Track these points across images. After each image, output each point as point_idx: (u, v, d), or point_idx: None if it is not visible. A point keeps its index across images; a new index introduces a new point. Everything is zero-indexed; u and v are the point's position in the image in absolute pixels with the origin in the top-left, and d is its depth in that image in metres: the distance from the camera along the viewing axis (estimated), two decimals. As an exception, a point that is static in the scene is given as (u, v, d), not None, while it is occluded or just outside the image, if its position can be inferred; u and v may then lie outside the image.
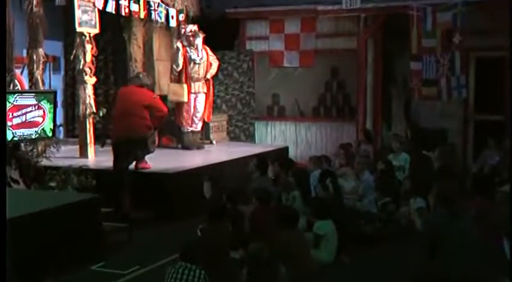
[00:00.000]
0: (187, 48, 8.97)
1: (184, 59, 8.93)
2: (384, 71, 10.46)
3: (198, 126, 9.27)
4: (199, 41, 9.03)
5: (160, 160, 7.91)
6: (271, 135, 11.20)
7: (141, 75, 7.60)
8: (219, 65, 9.59)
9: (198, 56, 9.04)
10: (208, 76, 9.26)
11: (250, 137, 10.98)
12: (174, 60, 9.04)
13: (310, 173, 7.06)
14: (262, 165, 6.93)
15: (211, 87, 9.43)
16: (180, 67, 8.92)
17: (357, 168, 7.28)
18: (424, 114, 10.05)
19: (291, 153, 10.04)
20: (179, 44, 9.00)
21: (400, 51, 9.98)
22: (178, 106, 9.08)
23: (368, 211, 6.47)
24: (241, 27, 11.14)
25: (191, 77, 9.02)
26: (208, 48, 9.25)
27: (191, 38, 8.99)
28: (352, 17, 10.29)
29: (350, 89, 10.70)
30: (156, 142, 7.66)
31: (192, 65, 8.99)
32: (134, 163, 7.24)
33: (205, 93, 9.23)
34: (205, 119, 9.41)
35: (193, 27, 9.13)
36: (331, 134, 10.64)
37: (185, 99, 8.93)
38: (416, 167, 7.46)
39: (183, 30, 9.30)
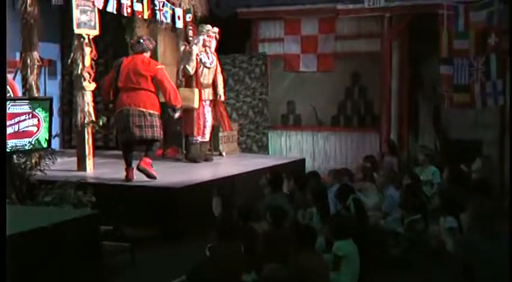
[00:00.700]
0: (197, 49, 8.97)
1: (196, 61, 8.91)
2: (410, 75, 10.44)
3: (207, 137, 9.26)
4: (213, 43, 9.07)
5: (165, 173, 7.90)
6: (286, 147, 11.20)
7: (141, 40, 7.54)
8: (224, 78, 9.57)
9: (208, 59, 9.04)
10: (220, 91, 9.17)
11: (263, 148, 10.99)
12: (186, 61, 8.92)
13: (328, 188, 7.02)
14: (276, 180, 6.89)
15: (222, 94, 9.38)
16: (193, 71, 8.87)
17: (380, 182, 7.23)
18: (455, 123, 9.99)
19: (308, 166, 10.01)
20: (194, 46, 8.95)
21: (429, 54, 9.96)
22: (187, 114, 8.82)
23: (393, 230, 6.41)
24: (254, 28, 11.18)
25: (201, 83, 9.01)
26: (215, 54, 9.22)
27: (209, 39, 8.98)
28: (375, 17, 10.29)
29: (373, 96, 10.67)
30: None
31: (202, 68, 8.97)
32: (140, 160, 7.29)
33: (211, 101, 9.20)
34: (226, 128, 9.47)
35: (214, 28, 9.10)
36: (351, 145, 10.63)
37: (196, 105, 8.88)
38: (447, 181, 7.39)
39: (190, 30, 9.29)
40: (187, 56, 9.01)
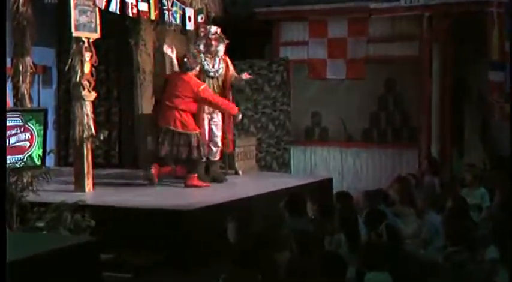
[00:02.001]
0: (202, 55, 8.93)
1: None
2: (453, 83, 10.37)
3: (217, 155, 9.18)
4: (221, 48, 8.96)
5: (174, 194, 7.92)
6: (311, 164, 11.18)
7: (185, 59, 8.47)
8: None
9: (213, 67, 8.96)
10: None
11: (284, 166, 10.97)
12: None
13: (359, 212, 6.98)
14: (299, 202, 6.87)
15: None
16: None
17: (419, 206, 7.17)
18: (506, 138, 9.89)
19: (336, 187, 9.95)
20: (194, 51, 8.94)
21: (475, 58, 9.90)
22: None
23: (434, 261, 6.35)
24: (274, 30, 11.21)
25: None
26: (229, 60, 9.14)
27: (213, 43, 8.93)
28: (413, 17, 10.27)
29: (410, 106, 10.62)
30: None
31: (204, 78, 8.84)
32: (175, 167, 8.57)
33: (221, 113, 9.14)
34: (227, 149, 9.34)
35: (217, 29, 9.09)
36: (386, 163, 10.58)
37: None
38: (498, 205, 7.30)
39: (202, 32, 9.29)
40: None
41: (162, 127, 8.47)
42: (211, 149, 9.03)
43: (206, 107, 8.86)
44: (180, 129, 8.37)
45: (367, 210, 6.66)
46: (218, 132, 9.07)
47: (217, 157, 9.20)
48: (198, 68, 8.65)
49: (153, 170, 8.52)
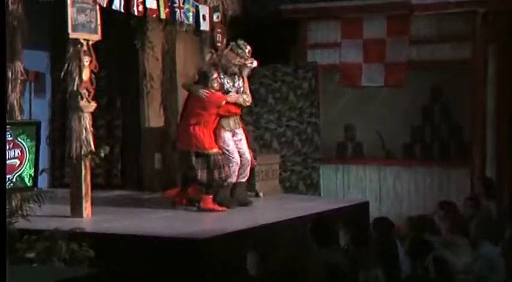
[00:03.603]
0: (221, 74, 8.86)
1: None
2: (513, 90, 10.30)
3: (245, 175, 9.13)
4: (246, 72, 8.87)
5: (187, 220, 7.92)
6: (343, 185, 11.17)
7: (209, 73, 8.63)
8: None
9: (233, 85, 8.89)
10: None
11: (312, 188, 10.96)
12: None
13: (400, 242, 6.92)
14: (329, 230, 6.82)
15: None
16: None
17: (472, 235, 7.09)
18: None
19: (373, 212, 9.88)
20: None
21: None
22: None
23: (491, 300, 6.28)
24: (301, 30, 11.24)
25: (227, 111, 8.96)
26: None
27: (241, 61, 8.74)
28: (464, 14, 10.21)
29: (460, 118, 10.54)
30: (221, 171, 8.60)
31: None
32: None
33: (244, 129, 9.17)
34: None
35: (246, 47, 8.83)
36: (432, 185, 10.53)
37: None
38: None
39: (219, 35, 9.25)
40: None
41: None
42: (241, 168, 9.00)
43: (226, 124, 8.88)
44: (181, 148, 8.66)
45: (410, 240, 6.61)
46: (245, 148, 9.05)
47: (246, 178, 9.17)
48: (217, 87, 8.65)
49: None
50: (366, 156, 11.14)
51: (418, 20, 10.52)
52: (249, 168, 9.14)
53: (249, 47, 8.75)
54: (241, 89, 9.00)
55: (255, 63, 8.85)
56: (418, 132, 10.87)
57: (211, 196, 8.55)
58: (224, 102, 8.64)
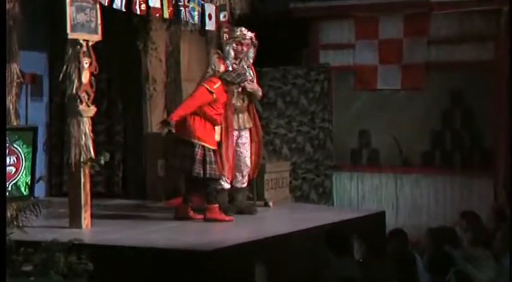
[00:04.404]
0: (228, 62, 8.95)
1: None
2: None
3: (244, 180, 9.22)
4: (250, 54, 8.99)
5: (190, 230, 7.91)
6: (358, 194, 11.16)
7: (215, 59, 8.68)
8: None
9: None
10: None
11: (325, 196, 10.98)
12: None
13: (419, 254, 6.90)
14: (343, 241, 6.86)
15: (256, 121, 9.32)
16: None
17: (496, 248, 7.07)
18: None
19: (389, 222, 9.87)
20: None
21: None
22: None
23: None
24: (313, 30, 11.26)
25: (234, 106, 9.01)
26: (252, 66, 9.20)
27: (243, 48, 8.91)
28: (486, 12, 10.19)
29: (483, 123, 10.51)
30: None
31: (230, 88, 8.93)
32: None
33: (250, 130, 9.17)
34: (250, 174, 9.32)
35: (249, 33, 9.07)
36: (453, 194, 10.52)
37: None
38: None
39: (225, 34, 9.27)
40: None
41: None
42: (236, 174, 9.06)
43: (234, 121, 8.94)
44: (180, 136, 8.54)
45: (430, 254, 6.60)
46: (247, 153, 9.11)
47: (245, 184, 9.20)
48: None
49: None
50: (382, 164, 11.12)
51: (437, 19, 10.51)
52: (247, 175, 9.17)
53: (244, 30, 8.94)
54: (253, 80, 9.09)
55: (245, 31, 8.97)
56: (437, 137, 10.85)
57: (217, 205, 8.55)
58: (213, 99, 8.55)
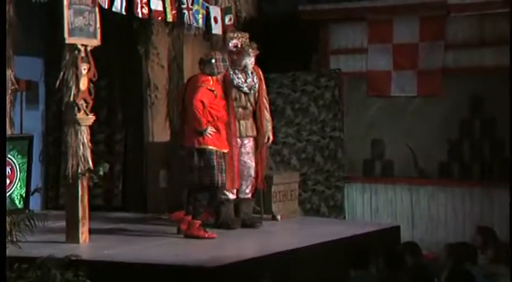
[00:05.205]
0: (229, 70, 8.96)
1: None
2: None
3: (248, 191, 9.24)
4: (247, 62, 9.03)
5: (191, 245, 7.91)
6: (371, 207, 11.14)
7: (212, 60, 8.52)
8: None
9: (245, 81, 9.08)
10: (267, 126, 9.23)
11: (336, 210, 10.95)
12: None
13: (436, 271, 6.90)
14: (358, 258, 6.86)
15: (268, 124, 9.34)
16: None
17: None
18: None
19: (404, 237, 9.86)
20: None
21: None
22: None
23: None
24: (323, 33, 11.24)
25: (236, 112, 9.04)
26: (260, 71, 9.28)
27: (234, 57, 8.99)
28: (507, 14, 10.15)
29: (504, 132, 10.47)
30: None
31: (235, 93, 9.03)
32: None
33: (255, 138, 9.19)
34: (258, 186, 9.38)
35: (242, 36, 9.13)
36: (472, 207, 10.47)
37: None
38: None
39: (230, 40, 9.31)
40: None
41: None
42: (241, 184, 9.12)
43: (237, 128, 9.01)
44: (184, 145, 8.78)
45: (449, 271, 6.57)
46: (251, 163, 9.15)
47: (248, 195, 9.23)
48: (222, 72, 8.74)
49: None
50: (396, 175, 11.08)
51: (455, 21, 10.50)
52: (250, 185, 9.20)
53: (234, 41, 9.12)
54: (256, 86, 9.11)
55: (233, 41, 9.09)
56: (455, 148, 10.80)
57: (199, 221, 8.45)
58: (214, 96, 8.60)
